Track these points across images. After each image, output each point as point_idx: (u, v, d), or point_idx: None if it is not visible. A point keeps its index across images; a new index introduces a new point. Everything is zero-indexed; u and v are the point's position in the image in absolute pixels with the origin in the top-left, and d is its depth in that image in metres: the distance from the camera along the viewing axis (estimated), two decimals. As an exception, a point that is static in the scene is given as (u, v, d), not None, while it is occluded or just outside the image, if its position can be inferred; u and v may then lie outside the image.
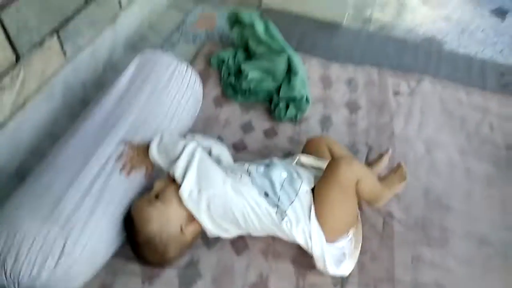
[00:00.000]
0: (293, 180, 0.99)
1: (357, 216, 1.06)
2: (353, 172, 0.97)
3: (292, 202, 0.96)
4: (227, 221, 0.95)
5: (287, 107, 1.32)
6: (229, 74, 1.42)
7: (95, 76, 1.44)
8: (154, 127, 1.08)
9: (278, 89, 1.35)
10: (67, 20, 1.24)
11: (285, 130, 1.32)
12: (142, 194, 0.98)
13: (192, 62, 1.52)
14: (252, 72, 1.35)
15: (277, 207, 0.95)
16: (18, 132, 1.16)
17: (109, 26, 1.45)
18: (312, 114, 1.37)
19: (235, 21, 1.51)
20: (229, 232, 0.99)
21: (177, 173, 0.94)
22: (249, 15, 1.46)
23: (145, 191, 0.99)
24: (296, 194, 0.97)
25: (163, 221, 0.92)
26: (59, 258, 0.83)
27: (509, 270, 1.06)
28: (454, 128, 1.38)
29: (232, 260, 1.01)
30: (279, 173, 1.00)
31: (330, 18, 1.79)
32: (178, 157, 0.94)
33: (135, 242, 0.93)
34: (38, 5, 1.11)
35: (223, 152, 1.11)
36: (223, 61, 1.46)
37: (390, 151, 1.22)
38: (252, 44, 1.44)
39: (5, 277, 0.83)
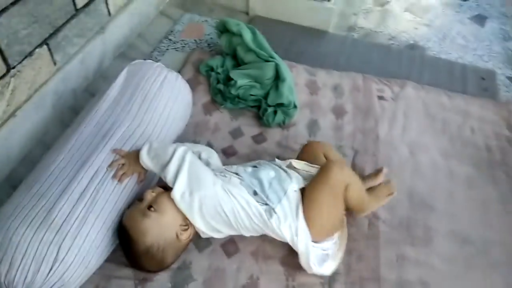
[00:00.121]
0: (282, 179, 1.03)
1: (343, 221, 1.09)
2: (344, 176, 1.01)
3: (281, 200, 0.99)
4: (219, 221, 0.98)
5: (275, 113, 1.35)
6: (218, 81, 1.45)
7: (85, 84, 1.46)
8: (147, 135, 1.10)
9: (266, 96, 1.39)
10: (57, 30, 1.26)
11: (274, 135, 1.35)
12: (132, 205, 0.99)
13: (181, 69, 1.55)
14: (241, 80, 1.38)
15: (266, 205, 0.98)
16: (9, 140, 1.17)
17: (99, 35, 1.47)
18: (300, 119, 1.41)
19: (223, 29, 1.54)
20: (221, 233, 1.01)
21: (169, 176, 0.96)
22: (237, 23, 1.50)
23: (135, 201, 1.00)
24: (285, 193, 1.00)
25: (160, 231, 0.94)
26: (53, 264, 0.85)
27: (490, 268, 1.10)
28: (437, 132, 1.42)
29: (223, 263, 1.03)
30: (267, 172, 1.03)
31: (316, 25, 1.83)
32: (168, 161, 0.97)
33: (132, 253, 0.95)
34: (28, 16, 1.13)
35: (212, 156, 1.14)
36: (212, 69, 1.49)
37: (386, 170, 1.20)
38: (241, 52, 1.47)
39: (-1, 283, 0.84)
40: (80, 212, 0.91)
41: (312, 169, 1.09)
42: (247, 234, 1.03)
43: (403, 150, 1.35)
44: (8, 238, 0.85)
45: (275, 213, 0.97)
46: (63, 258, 0.86)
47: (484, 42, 1.92)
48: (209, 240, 1.06)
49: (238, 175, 1.02)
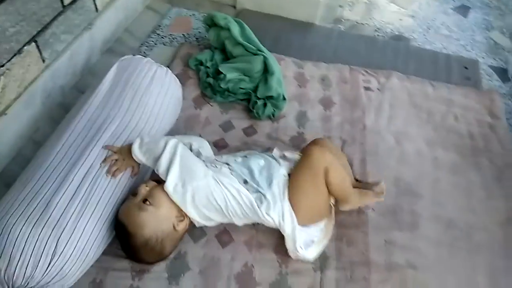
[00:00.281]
0: (271, 167, 1.07)
1: (330, 210, 1.11)
2: (324, 157, 1.05)
3: (271, 186, 1.03)
4: (212, 210, 1.01)
5: (265, 105, 1.38)
6: (207, 75, 1.46)
7: (73, 81, 1.47)
8: (138, 130, 1.12)
9: (255, 89, 1.41)
10: (44, 27, 1.26)
11: (264, 127, 1.38)
12: (127, 200, 1.01)
13: (170, 64, 1.56)
14: (230, 73, 1.40)
15: (256, 192, 1.01)
16: (0, 138, 1.17)
17: (86, 31, 1.47)
18: (289, 111, 1.43)
19: (211, 23, 1.55)
20: (214, 221, 1.04)
21: (161, 169, 0.98)
22: (224, 17, 1.51)
23: (129, 195, 1.02)
24: (275, 179, 1.04)
25: (157, 223, 0.96)
26: (52, 258, 0.87)
27: (473, 250, 1.15)
28: (422, 120, 1.46)
29: (218, 253, 1.06)
30: (257, 161, 1.07)
31: (302, 18, 1.85)
32: (160, 155, 0.99)
33: (131, 247, 0.97)
34: (15, 14, 1.13)
35: (203, 145, 1.17)
36: (201, 63, 1.51)
37: (383, 183, 1.15)
38: (229, 46, 1.48)
39: (-1, 278, 0.86)
40: (77, 206, 0.93)
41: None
42: (239, 223, 1.06)
43: (389, 139, 1.38)
44: (6, 234, 0.86)
45: (265, 199, 1.01)
46: (62, 252, 0.88)
47: (467, 32, 1.97)
48: (203, 231, 1.09)
49: (229, 165, 1.06)
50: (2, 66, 1.13)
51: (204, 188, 0.99)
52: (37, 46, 1.25)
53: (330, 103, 1.48)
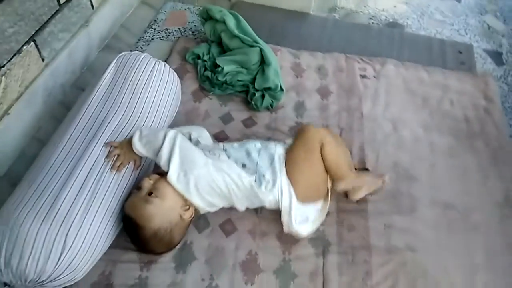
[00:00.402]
0: (268, 147, 1.11)
1: (327, 189, 1.14)
2: (319, 133, 1.10)
3: (270, 164, 1.07)
4: (215, 196, 1.04)
5: (263, 97, 1.40)
6: (205, 68, 1.48)
7: (73, 79, 1.48)
8: (139, 125, 1.14)
9: (253, 80, 1.43)
10: (42, 27, 1.27)
11: (263, 118, 1.40)
12: (132, 194, 1.03)
13: (167, 58, 1.57)
14: (228, 66, 1.42)
15: (256, 173, 1.05)
16: (4, 138, 1.20)
17: (83, 29, 1.48)
18: (287, 101, 1.45)
19: (207, 16, 1.56)
20: (218, 207, 1.08)
21: (162, 161, 1.01)
22: (220, 10, 1.52)
23: (133, 190, 1.05)
24: (273, 158, 1.08)
25: (164, 214, 0.99)
26: (62, 252, 0.89)
27: (471, 231, 1.18)
28: (418, 106, 1.49)
29: (222, 242, 1.09)
30: (253, 144, 1.12)
31: (297, 8, 1.86)
32: (161, 146, 1.02)
33: (141, 239, 1.00)
34: (13, 14, 1.14)
35: (203, 134, 1.20)
36: (198, 56, 1.52)
37: (388, 177, 1.18)
38: (225, 39, 1.50)
39: (12, 273, 0.88)
40: (83, 201, 0.95)
41: None
42: (241, 206, 1.09)
43: (387, 125, 1.41)
44: (17, 231, 0.89)
45: (265, 178, 1.04)
46: (71, 246, 0.90)
47: (461, 16, 1.98)
48: (207, 222, 1.12)
49: (226, 151, 1.09)
50: (3, 66, 1.15)
51: (205, 176, 1.02)
52: (36, 46, 1.26)
53: (327, 92, 1.50)
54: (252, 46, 1.45)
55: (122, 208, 1.03)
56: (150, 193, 1.00)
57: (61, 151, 1.03)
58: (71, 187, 0.96)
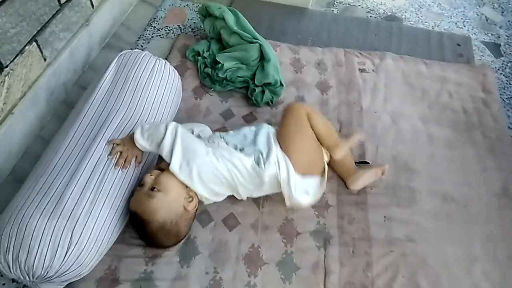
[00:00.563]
0: (262, 128, 1.17)
1: (323, 163, 1.17)
2: (303, 107, 1.18)
3: (266, 142, 1.12)
4: (218, 184, 1.07)
5: (263, 92, 1.41)
6: (205, 65, 1.49)
7: (75, 77, 1.49)
8: (141, 122, 1.15)
9: (253, 76, 1.44)
10: (44, 27, 1.29)
11: (263, 113, 1.42)
12: (136, 191, 1.05)
13: (168, 56, 1.59)
14: (228, 62, 1.43)
15: (253, 154, 1.08)
16: (8, 138, 1.21)
17: (84, 28, 1.49)
18: (287, 96, 1.47)
19: (206, 13, 1.57)
20: (221, 195, 1.11)
21: (165, 151, 1.03)
22: (219, 7, 1.53)
23: (136, 187, 1.07)
24: (267, 136, 1.14)
25: (169, 207, 1.01)
26: (68, 248, 0.92)
27: (470, 220, 1.20)
28: (416, 99, 1.50)
29: (225, 236, 1.11)
30: (248, 128, 1.17)
31: (296, 3, 1.87)
32: (163, 138, 1.04)
33: (149, 234, 1.02)
34: (15, 15, 1.15)
35: (205, 130, 1.23)
36: (198, 53, 1.54)
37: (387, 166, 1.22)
38: (225, 35, 1.51)
39: (20, 269, 0.90)
40: (89, 197, 0.97)
41: None
42: (244, 193, 1.12)
43: (386, 118, 1.42)
44: (24, 227, 0.91)
45: (263, 156, 1.08)
46: (77, 241, 0.92)
47: (459, 8, 1.99)
48: (210, 217, 1.14)
49: (224, 138, 1.13)
50: (6, 67, 1.16)
51: (208, 165, 1.04)
52: (38, 46, 1.28)
53: (327, 87, 1.52)
54: (251, 42, 1.46)
55: (127, 206, 1.05)
56: (152, 188, 1.02)
57: (65, 149, 1.05)
58: (76, 184, 0.98)
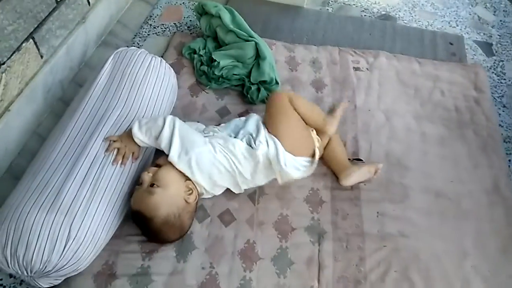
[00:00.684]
0: (251, 116, 1.22)
1: (313, 145, 1.20)
2: (285, 94, 1.22)
3: (255, 126, 1.17)
4: (217, 173, 1.09)
5: (258, 90, 1.43)
6: (201, 63, 1.51)
7: (71, 75, 1.50)
8: (138, 119, 1.16)
9: (248, 74, 1.46)
10: (40, 24, 1.29)
11: (259, 111, 1.42)
12: (135, 190, 1.06)
13: (164, 54, 1.59)
14: (223, 60, 1.45)
15: (245, 136, 1.12)
16: (5, 134, 1.22)
17: (80, 25, 1.50)
18: (282, 94, 1.48)
19: (202, 12, 1.58)
20: (221, 187, 1.14)
21: (163, 143, 1.05)
22: (215, 5, 1.54)
23: (135, 186, 1.08)
24: (255, 122, 1.19)
25: (170, 201, 1.03)
26: (66, 243, 0.93)
27: (461, 216, 1.22)
28: (410, 97, 1.52)
29: (221, 232, 1.13)
30: (238, 119, 1.23)
31: (291, 1, 1.88)
32: (161, 130, 1.05)
33: (153, 230, 1.03)
34: (12, 12, 1.16)
35: (200, 127, 1.24)
36: (194, 51, 1.55)
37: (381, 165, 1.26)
38: (221, 33, 1.52)
39: (18, 264, 0.92)
40: (86, 193, 0.99)
41: None
42: (243, 185, 1.14)
43: (380, 116, 1.44)
44: (22, 222, 0.92)
45: (253, 137, 1.12)
46: (75, 236, 0.94)
47: (452, 8, 2.01)
48: (207, 213, 1.15)
49: (218, 129, 1.17)
50: (3, 64, 1.17)
51: (206, 153, 1.07)
52: (35, 43, 1.28)
53: (322, 85, 1.53)
54: (247, 40, 1.48)
55: (125, 202, 1.07)
56: (152, 185, 1.03)
57: (63, 145, 1.06)
58: (73, 180, 0.99)
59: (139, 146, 1.10)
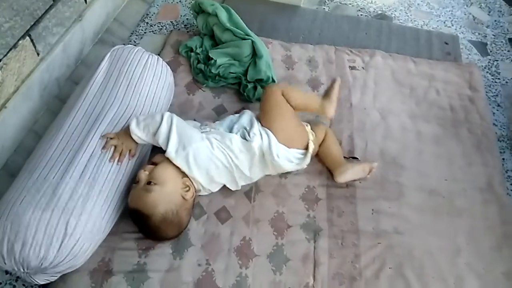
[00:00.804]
0: (245, 112, 1.23)
1: (306, 138, 1.22)
2: (277, 86, 1.24)
3: (248, 121, 1.19)
4: (214, 169, 1.09)
5: (255, 88, 1.43)
6: (198, 61, 1.51)
7: (68, 72, 1.50)
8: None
9: (245, 73, 1.46)
10: (37, 21, 1.29)
11: (255, 109, 1.42)
12: (132, 189, 1.07)
13: (161, 52, 1.60)
14: (220, 59, 1.45)
15: (239, 130, 1.15)
16: (2, 131, 1.22)
17: (77, 23, 1.50)
18: (278, 93, 1.49)
19: (199, 10, 1.59)
20: (218, 183, 1.15)
21: (161, 139, 1.06)
22: (212, 4, 1.54)
23: (132, 185, 1.08)
24: (249, 117, 1.21)
25: (167, 198, 1.03)
26: (63, 240, 0.93)
27: (455, 214, 1.24)
28: (405, 96, 1.53)
29: (217, 229, 1.13)
30: (232, 115, 1.24)
31: (288, 0, 1.89)
32: (159, 126, 1.06)
33: (152, 227, 1.03)
34: (9, 9, 1.15)
35: (196, 126, 1.23)
36: (191, 49, 1.55)
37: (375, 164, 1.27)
38: (218, 32, 1.53)
39: (14, 261, 0.92)
40: (83, 190, 0.99)
41: None
42: (240, 180, 1.15)
43: (375, 115, 1.45)
44: (19, 219, 0.92)
45: (246, 130, 1.14)
46: (72, 233, 0.94)
47: (447, 8, 2.03)
48: (203, 210, 1.16)
49: (215, 125, 1.18)
50: (0, 61, 1.17)
51: (203, 148, 1.08)
52: (31, 40, 1.28)
53: (318, 84, 1.54)
54: (244, 39, 1.48)
55: (121, 199, 1.07)
56: (149, 182, 1.03)
57: (59, 142, 1.06)
58: (70, 177, 0.99)
59: (136, 143, 1.11)
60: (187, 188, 1.08)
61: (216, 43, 1.57)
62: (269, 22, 1.80)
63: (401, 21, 1.93)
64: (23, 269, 0.93)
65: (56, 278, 1.01)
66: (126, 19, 1.76)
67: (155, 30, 1.73)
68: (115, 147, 1.09)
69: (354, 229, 1.17)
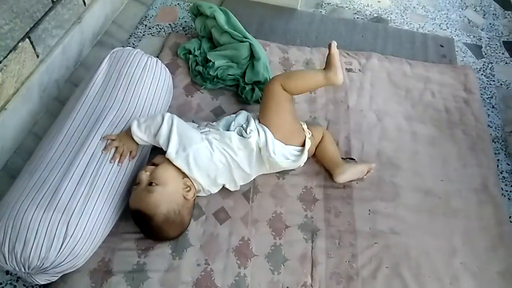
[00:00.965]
0: (241, 112, 1.25)
1: (303, 135, 1.23)
2: (276, 79, 1.22)
3: (244, 118, 1.21)
4: (214, 169, 1.11)
5: (253, 90, 1.45)
6: (196, 63, 1.52)
7: (67, 74, 1.51)
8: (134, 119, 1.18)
9: (243, 75, 1.48)
10: (36, 24, 1.30)
11: (253, 111, 1.44)
12: (133, 190, 1.07)
13: (159, 54, 1.61)
14: (218, 61, 1.47)
15: (236, 128, 1.17)
16: (1, 133, 1.23)
17: (76, 25, 1.51)
18: (276, 95, 1.50)
19: (197, 12, 1.60)
20: (218, 184, 1.15)
21: (162, 140, 1.07)
22: (210, 6, 1.56)
23: (133, 186, 1.09)
24: (246, 115, 1.23)
25: (169, 199, 1.04)
26: (64, 240, 0.94)
27: (450, 214, 1.25)
28: (401, 98, 1.55)
29: (216, 229, 1.15)
30: (229, 115, 1.25)
31: (285, 3, 1.91)
32: (160, 127, 1.07)
33: (154, 228, 1.04)
34: (9, 11, 1.17)
35: (195, 126, 1.26)
36: (189, 52, 1.56)
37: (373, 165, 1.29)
38: (216, 34, 1.54)
39: (15, 261, 0.93)
40: (83, 191, 1.00)
41: None
42: (239, 180, 1.17)
43: (371, 116, 1.47)
44: (20, 219, 0.93)
45: (243, 128, 1.16)
46: (72, 234, 0.95)
47: (442, 11, 2.05)
48: (202, 211, 1.17)
49: (213, 125, 1.20)
50: (0, 63, 1.18)
51: (203, 149, 1.09)
52: (31, 42, 1.29)
53: (315, 85, 1.56)
54: (242, 41, 1.50)
55: (121, 200, 1.08)
56: (150, 183, 1.04)
57: (60, 144, 1.07)
58: (71, 178, 1.00)
59: (137, 144, 1.12)
60: (188, 188, 1.09)
61: (214, 45, 1.58)
62: (267, 24, 1.81)
63: (397, 24, 1.95)
64: (24, 269, 0.94)
65: (56, 278, 1.01)
66: (125, 21, 1.77)
67: (153, 33, 1.75)
68: (116, 148, 1.10)
69: (351, 229, 1.18)
